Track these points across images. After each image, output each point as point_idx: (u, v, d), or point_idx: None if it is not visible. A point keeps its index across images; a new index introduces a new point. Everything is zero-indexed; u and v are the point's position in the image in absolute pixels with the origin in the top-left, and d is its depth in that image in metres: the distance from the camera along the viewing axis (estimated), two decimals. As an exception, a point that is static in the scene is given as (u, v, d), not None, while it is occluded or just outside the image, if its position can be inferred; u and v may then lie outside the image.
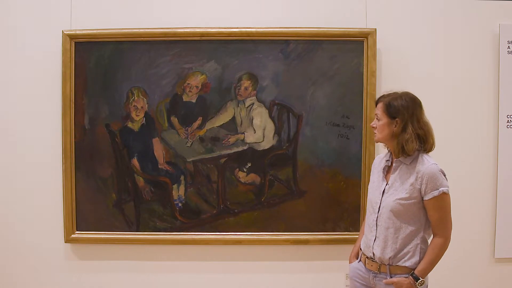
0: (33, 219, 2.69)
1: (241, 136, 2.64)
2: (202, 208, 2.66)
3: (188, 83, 2.61)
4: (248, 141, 2.64)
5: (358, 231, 2.61)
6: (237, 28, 2.57)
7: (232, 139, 2.64)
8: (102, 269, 2.72)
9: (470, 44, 2.65)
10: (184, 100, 2.62)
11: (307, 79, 2.60)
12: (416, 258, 1.94)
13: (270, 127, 2.63)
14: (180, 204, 2.66)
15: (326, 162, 2.63)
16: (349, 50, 2.58)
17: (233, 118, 2.63)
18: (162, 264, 2.71)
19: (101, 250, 2.70)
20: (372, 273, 2.04)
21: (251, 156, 2.64)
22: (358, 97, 2.60)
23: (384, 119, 1.98)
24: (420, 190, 1.92)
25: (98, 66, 2.60)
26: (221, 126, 2.63)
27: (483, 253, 2.71)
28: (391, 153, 2.06)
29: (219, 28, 2.57)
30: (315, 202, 2.64)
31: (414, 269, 1.94)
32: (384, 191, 2.01)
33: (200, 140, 2.64)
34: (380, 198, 2.02)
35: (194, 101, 2.62)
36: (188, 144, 2.64)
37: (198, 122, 2.63)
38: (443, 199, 1.90)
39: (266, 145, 2.64)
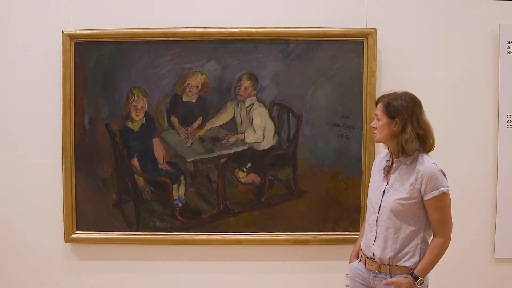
0: (33, 219, 2.69)
1: (241, 136, 2.64)
2: (202, 208, 2.66)
3: (188, 83, 2.61)
4: (248, 141, 2.64)
5: (358, 231, 2.61)
6: (237, 28, 2.57)
7: (232, 139, 2.64)
8: (102, 269, 2.72)
9: (470, 44, 2.65)
10: (184, 100, 2.62)
11: (307, 79, 2.60)
12: (416, 258, 1.94)
13: (270, 127, 2.63)
14: (180, 204, 2.66)
15: (326, 162, 2.63)
16: (349, 50, 2.58)
17: (233, 118, 2.63)
18: (162, 264, 2.71)
19: (101, 250, 2.70)
20: (372, 273, 2.04)
21: (251, 156, 2.64)
22: (358, 97, 2.60)
23: (384, 119, 1.98)
24: (420, 190, 1.92)
25: (98, 66, 2.60)
26: (221, 126, 2.63)
27: (483, 253, 2.71)
28: (391, 153, 2.06)
29: (219, 28, 2.57)
30: (315, 202, 2.65)
31: (414, 269, 1.94)
32: (385, 191, 2.01)
33: (200, 140, 2.64)
34: (381, 198, 2.02)
35: (194, 101, 2.62)
36: (188, 144, 2.64)
37: (198, 122, 2.63)
38: (443, 199, 1.90)
39: (266, 145, 2.64)
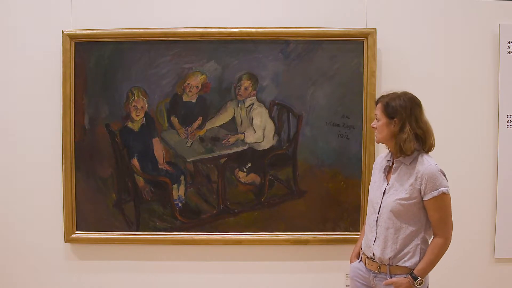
0: (33, 219, 2.69)
1: (241, 136, 2.64)
2: (202, 208, 2.66)
3: (188, 83, 2.61)
4: (248, 141, 2.64)
5: (358, 231, 2.61)
6: (237, 28, 2.57)
7: (232, 139, 2.64)
8: (102, 269, 2.72)
9: (470, 44, 2.65)
10: (184, 100, 2.62)
11: (307, 79, 2.60)
12: (416, 259, 1.94)
13: (270, 127, 2.63)
14: (180, 204, 2.66)
15: (326, 162, 2.63)
16: (349, 50, 2.58)
17: (233, 118, 2.63)
18: (162, 264, 2.71)
19: (101, 250, 2.70)
20: (373, 273, 2.04)
21: (251, 156, 2.64)
22: (358, 97, 2.60)
23: (383, 120, 1.99)
24: (420, 190, 1.92)
25: (98, 66, 2.60)
26: (221, 126, 2.63)
27: (483, 253, 2.71)
28: (392, 153, 2.06)
29: (219, 28, 2.57)
30: (315, 202, 2.65)
31: (414, 270, 1.94)
32: (385, 191, 2.01)
33: (200, 140, 2.64)
34: (381, 198, 2.02)
35: (194, 101, 2.62)
36: (188, 144, 2.64)
37: (198, 122, 2.63)
38: (442, 199, 1.90)
39: (266, 145, 2.64)
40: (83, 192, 2.64)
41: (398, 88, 2.03)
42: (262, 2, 2.64)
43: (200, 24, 2.59)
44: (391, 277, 1.97)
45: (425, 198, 1.91)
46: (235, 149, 2.64)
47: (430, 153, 2.00)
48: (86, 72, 2.60)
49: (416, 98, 1.99)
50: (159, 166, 2.64)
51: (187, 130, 2.63)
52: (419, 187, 1.92)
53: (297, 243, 2.65)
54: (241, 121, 2.63)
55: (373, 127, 2.06)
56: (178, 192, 2.65)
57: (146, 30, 2.57)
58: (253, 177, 2.65)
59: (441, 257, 1.94)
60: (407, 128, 1.93)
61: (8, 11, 2.63)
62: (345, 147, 2.62)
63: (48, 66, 2.62)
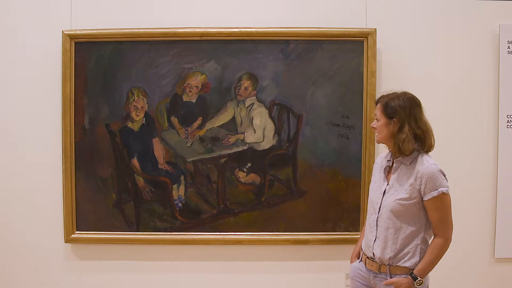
0: (33, 219, 2.69)
1: (241, 136, 2.64)
2: (202, 208, 2.66)
3: (188, 83, 2.61)
4: (248, 141, 2.64)
5: (358, 231, 2.62)
6: (237, 28, 2.57)
7: (232, 139, 2.64)
8: (102, 269, 2.72)
9: (470, 44, 2.65)
10: (184, 100, 2.62)
11: (307, 79, 2.60)
12: (416, 259, 1.94)
13: (270, 127, 2.63)
14: (180, 204, 2.66)
15: (326, 162, 2.63)
16: (349, 50, 2.58)
17: (233, 118, 2.63)
18: (162, 264, 2.71)
19: (101, 250, 2.70)
20: (373, 273, 2.04)
21: (251, 156, 2.64)
22: (358, 97, 2.60)
23: (383, 120, 1.99)
24: (419, 190, 1.92)
25: (98, 66, 2.60)
26: (221, 126, 2.63)
27: (483, 253, 2.71)
28: (391, 153, 2.06)
29: (219, 28, 2.57)
30: (315, 202, 2.64)
31: (413, 270, 1.94)
32: (385, 191, 2.01)
33: (200, 140, 2.64)
34: (381, 198, 2.02)
35: (194, 101, 2.62)
36: (188, 144, 2.64)
37: (198, 122, 2.63)
38: (442, 200, 1.90)
39: (266, 145, 2.64)
40: (83, 192, 2.64)
41: (398, 88, 2.03)
42: (262, 2, 2.64)
43: (200, 24, 2.59)
44: (391, 277, 1.97)
45: (425, 198, 1.91)
46: (235, 149, 2.64)
47: (430, 153, 2.00)
48: (86, 72, 2.60)
49: (416, 98, 1.99)
50: (159, 166, 2.64)
51: (187, 130, 2.63)
52: (418, 187, 1.92)
53: (297, 243, 2.65)
54: (241, 121, 2.63)
55: (373, 127, 2.06)
56: (178, 192, 2.65)
57: (146, 30, 2.57)
58: (253, 177, 2.65)
59: (441, 257, 1.93)
60: (406, 128, 1.93)
61: (8, 11, 2.63)
62: (345, 147, 2.62)
63: (48, 66, 2.62)
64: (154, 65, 2.59)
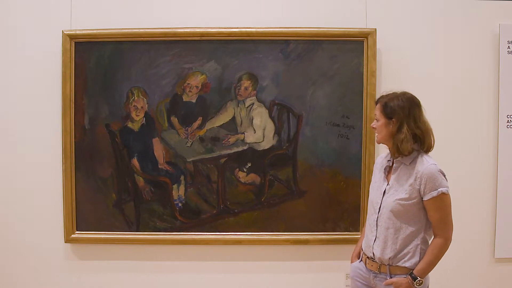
0: (33, 219, 2.69)
1: (241, 136, 2.64)
2: (202, 208, 2.66)
3: (188, 83, 2.61)
4: (248, 141, 2.64)
5: (358, 231, 2.62)
6: (237, 28, 2.57)
7: (232, 139, 2.64)
8: (102, 269, 2.72)
9: (470, 44, 2.65)
10: (184, 100, 2.62)
11: (307, 79, 2.60)
12: (416, 259, 1.94)
13: (270, 127, 2.63)
14: (180, 204, 2.66)
15: (326, 162, 2.63)
16: (349, 50, 2.58)
17: (233, 118, 2.63)
18: (162, 264, 2.71)
19: (101, 250, 2.70)
20: (373, 273, 2.04)
21: (251, 156, 2.64)
22: (358, 97, 2.60)
23: (382, 120, 1.99)
24: (419, 190, 1.92)
25: (98, 66, 2.60)
26: (221, 126, 2.63)
27: (483, 253, 2.71)
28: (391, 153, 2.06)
29: (219, 28, 2.57)
30: (315, 202, 2.64)
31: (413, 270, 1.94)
32: (385, 192, 2.01)
33: (200, 140, 2.64)
34: (381, 198, 2.02)
35: (194, 101, 2.62)
36: (188, 144, 2.64)
37: (198, 122, 2.63)
38: (442, 200, 1.90)
39: (266, 145, 2.64)
40: (83, 192, 2.64)
41: (398, 88, 2.03)
42: (262, 2, 2.64)
43: (200, 24, 2.59)
44: (391, 277, 1.97)
45: (425, 198, 1.91)
46: (235, 149, 2.64)
47: (430, 153, 2.00)
48: (86, 72, 2.60)
49: (415, 98, 1.98)
50: (159, 166, 2.64)
51: (187, 130, 2.63)
52: (418, 187, 1.92)
53: (297, 243, 2.65)
54: (241, 121, 2.63)
55: (373, 128, 2.06)
56: (178, 192, 2.65)
57: (146, 30, 2.57)
58: (253, 177, 2.65)
59: (441, 257, 1.93)
60: (405, 128, 1.92)
61: (8, 11, 2.63)
62: (345, 147, 2.62)
63: (48, 66, 2.62)
64: (154, 65, 2.59)
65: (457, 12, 2.64)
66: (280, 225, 2.66)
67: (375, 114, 2.04)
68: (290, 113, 2.62)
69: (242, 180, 2.65)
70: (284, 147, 2.64)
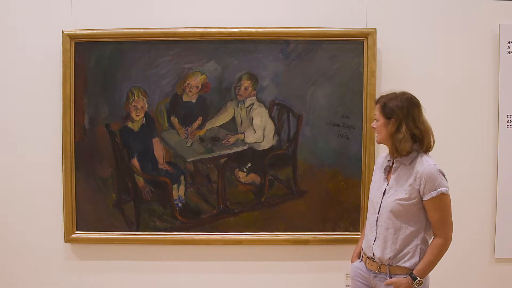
0: (33, 219, 2.69)
1: (241, 136, 2.64)
2: (202, 208, 2.66)
3: (188, 83, 2.61)
4: (248, 141, 2.64)
5: (358, 231, 2.62)
6: (237, 28, 2.57)
7: (232, 139, 2.64)
8: (102, 269, 2.72)
9: (470, 44, 2.65)
10: (184, 100, 2.62)
11: (307, 79, 2.60)
12: (416, 259, 1.94)
13: (270, 127, 2.63)
14: (180, 204, 2.66)
15: (326, 162, 2.63)
16: (349, 50, 2.58)
17: (233, 118, 2.63)
18: (162, 264, 2.71)
19: (101, 250, 2.70)
20: (373, 273, 2.04)
21: (251, 156, 2.64)
22: (358, 97, 2.60)
23: (381, 120, 1.99)
24: (419, 190, 1.91)
25: (98, 66, 2.60)
26: (221, 126, 2.63)
27: (483, 253, 2.71)
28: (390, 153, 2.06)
29: (219, 28, 2.57)
30: (315, 202, 2.64)
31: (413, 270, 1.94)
32: (385, 192, 2.01)
33: (200, 140, 2.64)
34: (381, 198, 2.02)
35: (194, 101, 2.62)
36: (188, 144, 2.64)
37: (198, 122, 2.63)
38: (442, 200, 1.90)
39: (266, 145, 2.64)
40: (83, 192, 2.64)
41: (398, 88, 2.03)
42: (262, 2, 2.64)
43: (200, 24, 2.59)
44: (391, 277, 1.97)
45: (424, 199, 1.91)
46: (235, 149, 2.64)
47: (430, 153, 1.99)
48: (86, 72, 2.60)
49: (414, 98, 1.98)
50: (159, 166, 2.64)
51: (187, 130, 2.63)
52: (418, 187, 1.91)
53: (297, 243, 2.65)
54: (241, 121, 2.63)
55: (373, 128, 2.06)
56: (178, 192, 2.65)
57: (146, 30, 2.57)
58: (253, 177, 2.65)
59: (441, 257, 1.93)
60: (403, 128, 1.92)
61: (8, 11, 2.63)
62: (345, 147, 2.62)
63: (48, 66, 2.62)
64: (154, 65, 2.59)
65: (457, 12, 2.64)
66: (280, 225, 2.66)
67: (374, 114, 2.04)
68: (290, 113, 2.62)
69: (242, 180, 2.65)
70: (284, 147, 2.64)
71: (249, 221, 2.66)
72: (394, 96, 1.97)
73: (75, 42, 2.57)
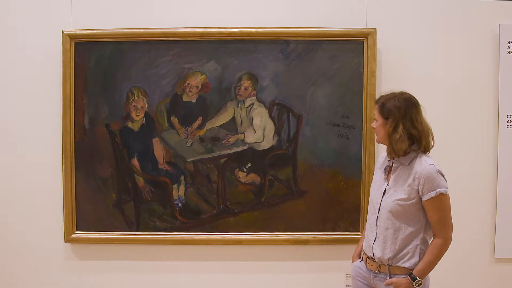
0: (33, 219, 2.69)
1: (241, 136, 2.64)
2: (202, 208, 2.66)
3: (188, 83, 2.61)
4: (248, 141, 2.64)
5: (358, 231, 2.62)
6: (237, 28, 2.57)
7: (232, 139, 2.64)
8: (102, 269, 2.72)
9: (470, 44, 2.65)
10: (184, 100, 2.62)
11: (307, 79, 2.60)
12: (415, 259, 1.94)
13: (270, 127, 2.63)
14: (180, 204, 2.66)
15: (326, 162, 2.63)
16: (349, 50, 2.58)
17: (233, 118, 2.63)
18: (162, 264, 2.71)
19: (101, 250, 2.70)
20: (373, 273, 2.04)
21: (251, 156, 2.64)
22: (358, 97, 2.60)
23: (380, 120, 1.99)
24: (418, 191, 1.91)
25: (98, 66, 2.60)
26: (221, 126, 2.63)
27: (483, 253, 2.71)
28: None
29: (219, 28, 2.57)
30: (315, 202, 2.64)
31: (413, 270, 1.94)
32: (385, 192, 2.01)
33: (200, 140, 2.64)
34: (381, 198, 2.02)
35: (194, 101, 2.62)
36: (188, 144, 2.64)
37: (198, 122, 2.63)
38: (440, 200, 1.89)
39: (266, 145, 2.64)
40: (83, 192, 2.64)
41: (398, 88, 2.03)
42: (262, 2, 2.64)
43: (200, 24, 2.59)
44: (390, 277, 1.97)
45: (423, 199, 1.91)
46: (235, 149, 2.64)
47: (430, 153, 1.99)
48: (86, 72, 2.60)
49: (413, 98, 1.98)
50: (159, 166, 2.64)
51: (187, 130, 2.63)
52: (417, 187, 1.91)
53: (297, 243, 2.65)
54: (241, 121, 2.63)
55: (373, 128, 2.07)
56: (178, 192, 2.65)
57: (146, 30, 2.57)
58: (253, 177, 2.65)
59: (440, 258, 1.93)
60: (400, 128, 1.92)
61: (8, 11, 2.63)
62: (345, 147, 2.62)
63: (48, 66, 2.62)
64: (154, 65, 2.59)
65: (457, 12, 2.64)
66: (280, 225, 2.66)
67: (374, 114, 2.05)
68: (290, 113, 2.62)
69: (242, 180, 2.65)
70: (284, 147, 2.64)
71: (249, 221, 2.66)
72: (392, 97, 1.97)
73: (75, 42, 2.57)
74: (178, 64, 2.59)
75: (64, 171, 2.61)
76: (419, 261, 1.94)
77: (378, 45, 2.57)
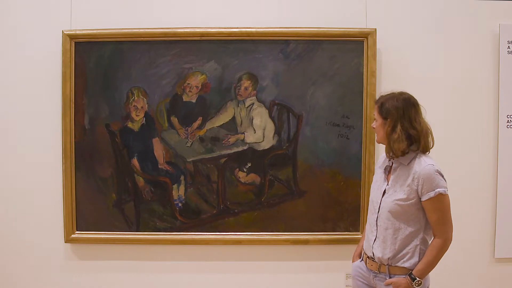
0: (33, 219, 2.69)
1: (241, 136, 2.64)
2: (202, 208, 2.66)
3: (188, 83, 2.61)
4: (248, 141, 2.64)
5: (358, 231, 2.62)
6: (237, 28, 2.57)
7: (232, 139, 2.64)
8: (102, 269, 2.72)
9: (470, 44, 2.65)
10: (184, 100, 2.62)
11: (307, 79, 2.60)
12: (415, 259, 1.94)
13: (270, 127, 2.63)
14: (180, 204, 2.66)
15: (326, 162, 2.63)
16: (349, 50, 2.58)
17: (233, 118, 2.63)
18: (162, 264, 2.71)
19: (101, 250, 2.70)
20: (373, 272, 2.04)
21: (251, 156, 2.64)
22: (358, 97, 2.60)
23: (379, 120, 1.99)
24: (417, 191, 1.91)
25: (98, 66, 2.60)
26: (221, 126, 2.63)
27: (483, 253, 2.71)
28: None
29: (219, 28, 2.57)
30: (315, 202, 2.64)
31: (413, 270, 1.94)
32: (385, 192, 2.01)
33: (200, 140, 2.64)
34: (381, 198, 2.02)
35: (194, 101, 2.62)
36: (188, 144, 2.64)
37: (198, 122, 2.63)
38: (440, 200, 1.89)
39: (266, 145, 2.64)
40: (83, 192, 2.64)
41: (398, 88, 2.03)
42: (262, 2, 2.64)
43: (200, 24, 2.59)
44: (390, 277, 1.97)
45: (422, 199, 1.91)
46: (235, 149, 2.64)
47: (430, 153, 1.99)
48: (86, 72, 2.60)
49: (412, 98, 1.97)
50: (159, 166, 2.64)
51: (187, 130, 2.63)
52: (416, 187, 1.91)
53: (297, 243, 2.65)
54: (241, 121, 2.63)
55: (373, 128, 2.07)
56: (178, 192, 2.65)
57: (146, 30, 2.57)
58: (253, 177, 2.65)
59: (440, 258, 1.93)
60: (398, 128, 1.92)
61: (8, 11, 2.63)
62: (345, 147, 2.62)
63: (48, 66, 2.62)
64: (154, 65, 2.59)
65: (457, 12, 2.64)
66: (280, 225, 2.66)
67: (374, 114, 2.05)
68: (290, 113, 2.62)
69: (242, 180, 2.65)
70: (284, 147, 2.64)
71: (249, 221, 2.66)
72: (391, 97, 1.97)
73: (75, 42, 2.57)
74: (178, 64, 2.59)
75: (64, 171, 2.61)
76: (418, 261, 1.93)
77: (378, 45, 2.57)
